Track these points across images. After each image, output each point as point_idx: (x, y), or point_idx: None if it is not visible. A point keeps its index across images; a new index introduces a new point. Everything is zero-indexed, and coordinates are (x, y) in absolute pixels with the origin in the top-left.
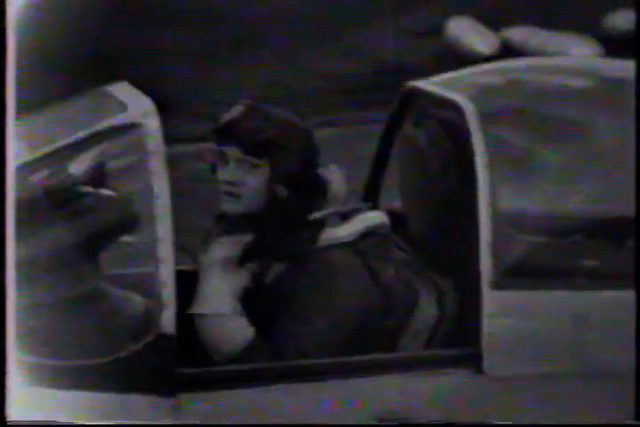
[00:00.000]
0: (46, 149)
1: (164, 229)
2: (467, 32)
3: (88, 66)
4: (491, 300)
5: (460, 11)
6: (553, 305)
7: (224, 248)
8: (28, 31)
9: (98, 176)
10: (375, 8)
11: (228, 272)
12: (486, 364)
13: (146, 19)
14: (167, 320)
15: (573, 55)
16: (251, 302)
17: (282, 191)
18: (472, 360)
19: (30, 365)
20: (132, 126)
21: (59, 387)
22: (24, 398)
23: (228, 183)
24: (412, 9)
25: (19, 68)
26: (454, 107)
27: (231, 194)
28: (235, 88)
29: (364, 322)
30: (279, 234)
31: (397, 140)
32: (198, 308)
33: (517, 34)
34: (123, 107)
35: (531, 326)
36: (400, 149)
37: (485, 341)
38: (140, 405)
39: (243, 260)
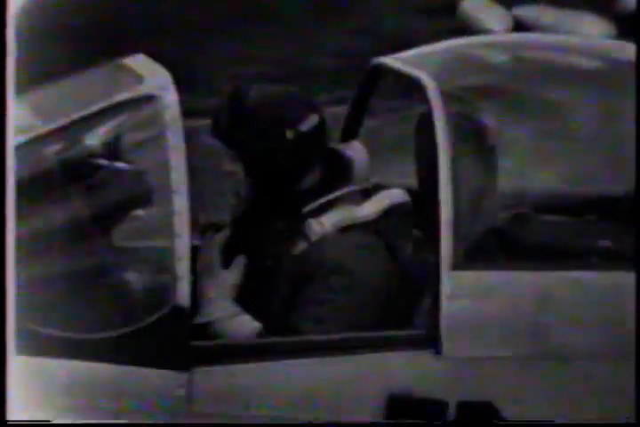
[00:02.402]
0: (62, 122)
1: (179, 202)
2: (479, 10)
3: (99, 39)
4: (450, 280)
5: None
6: (515, 286)
7: (207, 253)
8: (35, 6)
9: (114, 149)
10: None
11: (217, 275)
12: (445, 346)
13: None
14: (181, 293)
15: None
16: (261, 288)
17: (248, 192)
18: (430, 342)
19: (44, 336)
20: (149, 99)
21: (72, 359)
22: (28, 370)
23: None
24: None
25: (22, 43)
26: (418, 84)
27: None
28: (247, 63)
29: (382, 301)
30: (254, 231)
31: (415, 121)
32: (201, 317)
33: (530, 11)
34: (139, 79)
35: (491, 308)
36: (418, 129)
37: (444, 322)
38: (154, 378)
39: (225, 259)
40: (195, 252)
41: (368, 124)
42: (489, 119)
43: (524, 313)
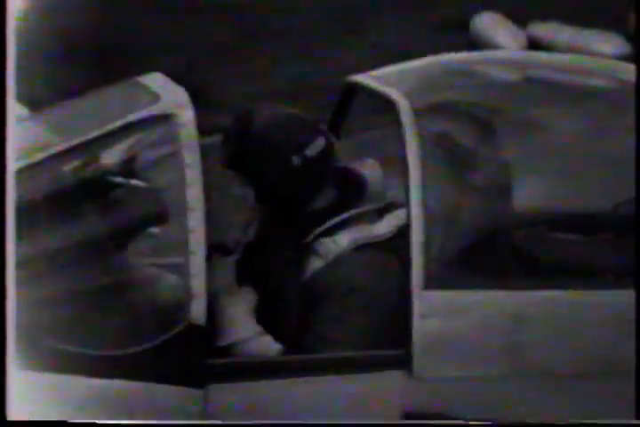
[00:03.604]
0: (79, 140)
1: (195, 220)
2: (493, 27)
3: (116, 57)
4: (421, 300)
5: (488, 6)
6: (488, 305)
7: (222, 274)
8: (53, 22)
9: (130, 167)
10: (402, 2)
11: (235, 296)
12: (416, 366)
13: (173, 10)
14: (197, 311)
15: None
16: (276, 309)
17: (269, 205)
18: (403, 362)
19: (60, 353)
20: (165, 117)
21: (88, 376)
22: (48, 389)
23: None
24: (439, 3)
25: (40, 61)
26: (390, 102)
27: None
28: (261, 80)
29: (397, 321)
30: (268, 252)
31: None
32: (223, 339)
33: (544, 30)
34: (156, 97)
35: (464, 327)
36: (429, 145)
37: (416, 342)
38: (169, 395)
39: (239, 280)
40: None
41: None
42: (467, 138)
43: (496, 333)
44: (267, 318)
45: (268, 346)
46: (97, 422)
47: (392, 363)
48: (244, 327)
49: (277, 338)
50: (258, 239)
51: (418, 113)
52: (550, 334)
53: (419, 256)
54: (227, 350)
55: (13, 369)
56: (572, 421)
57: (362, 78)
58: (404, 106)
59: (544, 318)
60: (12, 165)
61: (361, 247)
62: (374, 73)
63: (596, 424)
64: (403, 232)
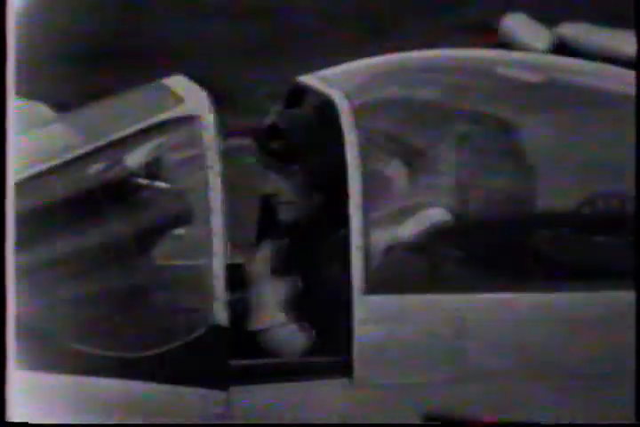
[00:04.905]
0: (103, 142)
1: (217, 222)
2: (521, 28)
3: (137, 60)
4: (361, 305)
5: (515, 7)
6: (428, 310)
7: (266, 259)
8: (80, 24)
9: (154, 169)
10: (429, 3)
11: (275, 282)
12: (357, 373)
13: (195, 13)
14: (219, 312)
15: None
16: (307, 305)
17: (317, 198)
18: (344, 369)
19: (82, 355)
20: (189, 119)
21: (111, 377)
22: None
23: (271, 196)
24: (467, 4)
25: (66, 63)
26: (331, 102)
27: (281, 202)
28: (286, 83)
29: None
30: (314, 241)
31: (451, 138)
32: (257, 324)
33: (572, 30)
34: (179, 100)
35: (406, 333)
36: (456, 146)
37: (356, 348)
38: (193, 396)
39: (285, 268)
40: (231, 270)
41: None
42: (420, 137)
43: (439, 337)
44: (305, 307)
45: (298, 334)
46: (99, 423)
47: (332, 370)
48: (277, 313)
49: (312, 328)
50: (303, 231)
51: (360, 112)
52: (494, 339)
53: (358, 260)
54: (257, 336)
55: (13, 371)
56: (572, 421)
57: (307, 78)
58: (343, 106)
59: (488, 322)
60: (12, 168)
61: (387, 248)
62: (321, 73)
63: (596, 424)
64: (430, 233)
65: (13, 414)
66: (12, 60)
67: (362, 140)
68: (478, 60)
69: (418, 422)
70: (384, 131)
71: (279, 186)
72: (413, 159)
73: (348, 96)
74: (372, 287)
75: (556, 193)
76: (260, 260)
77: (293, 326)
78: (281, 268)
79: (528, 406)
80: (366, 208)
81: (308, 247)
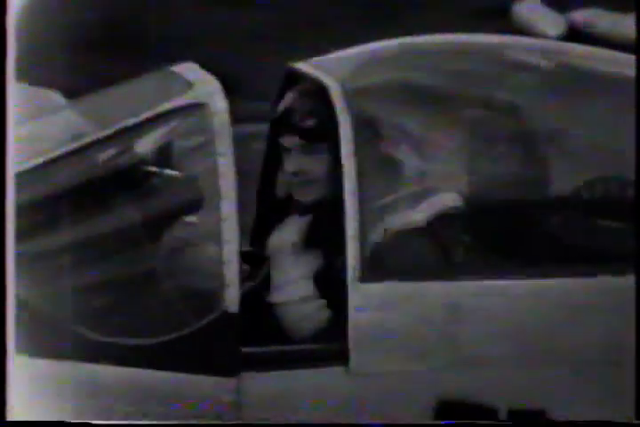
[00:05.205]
0: (113, 129)
1: (228, 209)
2: (534, 14)
3: (151, 47)
4: (357, 293)
5: None
6: (423, 297)
7: (290, 233)
8: (90, 11)
9: (164, 156)
10: None
11: (297, 256)
12: (353, 360)
13: (210, 1)
14: (231, 299)
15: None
16: (324, 286)
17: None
18: (341, 356)
19: (92, 342)
20: (199, 106)
21: (121, 365)
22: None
23: (294, 174)
24: None
25: (77, 51)
26: (324, 89)
27: (301, 183)
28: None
29: None
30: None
31: (465, 123)
32: (277, 296)
33: (584, 16)
34: (189, 87)
35: (401, 320)
36: (470, 131)
37: (352, 336)
38: (203, 384)
39: (309, 243)
40: (244, 257)
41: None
42: (412, 124)
43: (434, 325)
44: (326, 283)
45: (317, 310)
46: (99, 422)
47: (331, 358)
48: (298, 287)
49: (330, 305)
50: (328, 208)
51: (353, 97)
52: (493, 326)
53: (353, 248)
54: (276, 309)
55: (14, 368)
56: (572, 421)
57: (301, 64)
58: (335, 90)
59: (482, 309)
60: (12, 161)
61: (399, 232)
62: (316, 59)
63: (595, 425)
64: (441, 218)
65: (15, 404)
66: (13, 48)
67: (359, 124)
68: (481, 44)
69: (431, 407)
70: (385, 116)
71: (304, 164)
72: (418, 145)
73: (340, 80)
74: (367, 275)
75: (563, 178)
76: (285, 235)
77: (318, 302)
78: (306, 244)
79: (529, 392)
80: (362, 195)
81: (334, 224)
